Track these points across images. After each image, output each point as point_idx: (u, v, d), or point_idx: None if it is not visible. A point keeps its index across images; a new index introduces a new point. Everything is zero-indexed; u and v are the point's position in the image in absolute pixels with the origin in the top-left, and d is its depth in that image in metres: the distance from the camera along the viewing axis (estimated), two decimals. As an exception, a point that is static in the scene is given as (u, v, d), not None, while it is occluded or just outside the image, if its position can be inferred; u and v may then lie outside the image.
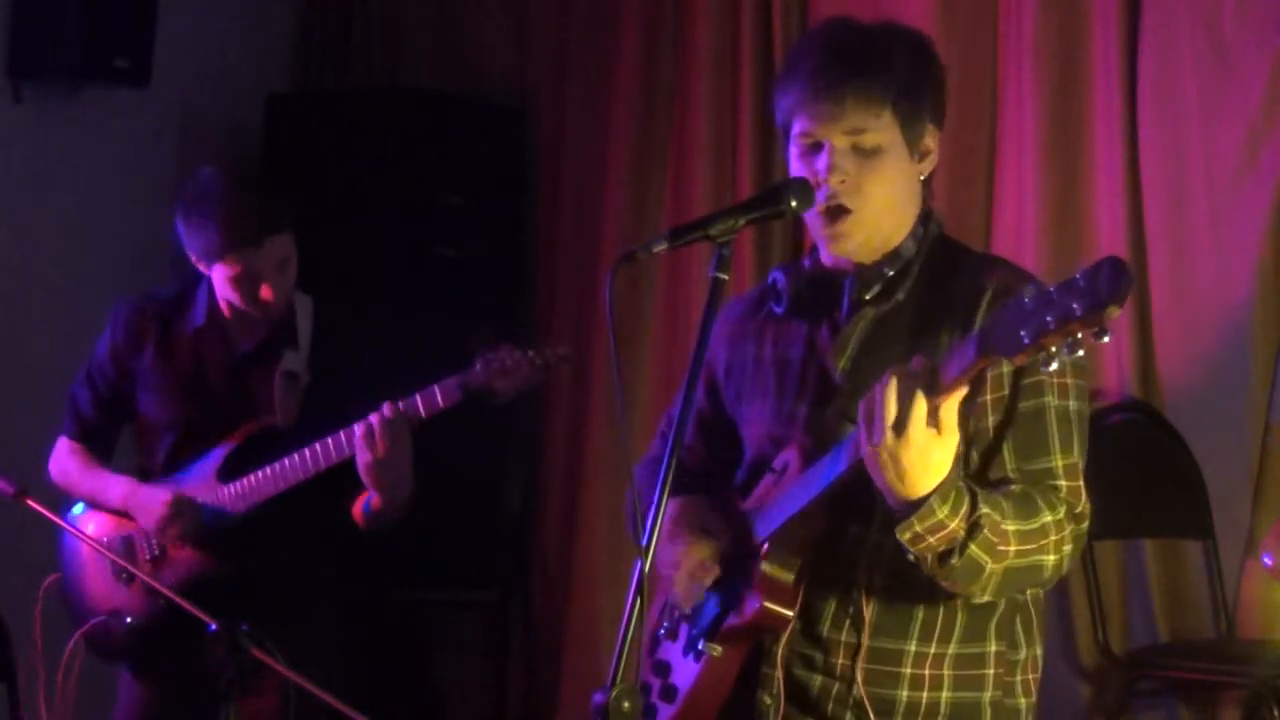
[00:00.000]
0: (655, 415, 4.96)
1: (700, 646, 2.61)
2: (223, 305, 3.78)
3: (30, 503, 3.40)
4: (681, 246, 2.44)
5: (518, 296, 5.46)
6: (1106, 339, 2.04)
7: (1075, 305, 2.03)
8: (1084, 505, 2.49)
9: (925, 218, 2.63)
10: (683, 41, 5.21)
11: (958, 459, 2.35)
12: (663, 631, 2.74)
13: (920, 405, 2.24)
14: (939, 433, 2.27)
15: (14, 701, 4.50)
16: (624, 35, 5.31)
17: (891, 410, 2.26)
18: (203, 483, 3.75)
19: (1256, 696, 4.11)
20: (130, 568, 3.21)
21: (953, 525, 2.33)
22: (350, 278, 5.21)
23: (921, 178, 2.61)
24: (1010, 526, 2.39)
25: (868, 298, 2.58)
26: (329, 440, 3.60)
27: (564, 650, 5.31)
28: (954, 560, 2.36)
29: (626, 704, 2.18)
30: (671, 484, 2.31)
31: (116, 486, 3.84)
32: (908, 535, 2.34)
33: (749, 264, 4.95)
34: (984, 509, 2.36)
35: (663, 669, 2.70)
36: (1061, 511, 2.45)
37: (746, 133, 5.04)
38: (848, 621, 2.54)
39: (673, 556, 2.67)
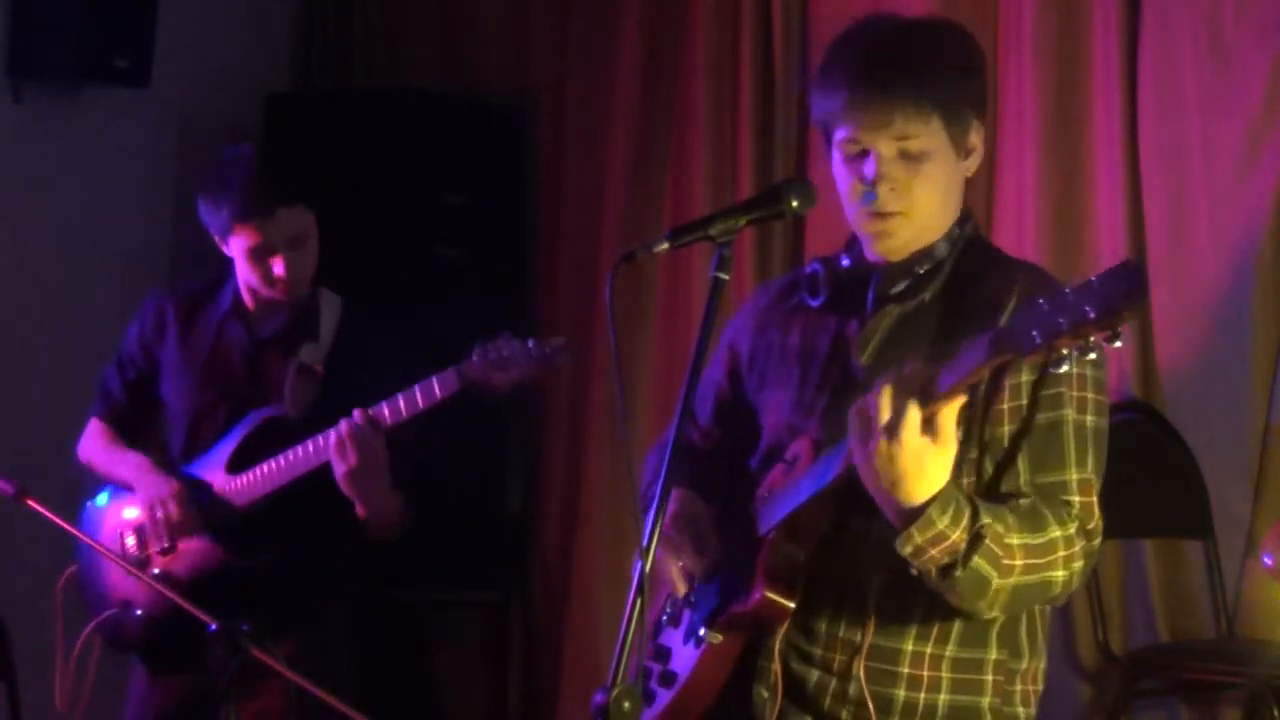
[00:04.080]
0: (656, 415, 4.98)
1: (701, 633, 2.61)
2: (244, 293, 3.79)
3: (30, 503, 3.39)
4: (682, 246, 2.43)
5: (518, 297, 5.46)
6: (1119, 344, 2.03)
7: (1089, 308, 2.02)
8: (1096, 522, 2.47)
9: (963, 219, 2.61)
10: (683, 42, 5.20)
11: (957, 469, 2.33)
12: (665, 617, 2.74)
13: (914, 409, 2.23)
14: (934, 440, 2.25)
15: (14, 701, 4.50)
16: (624, 35, 5.31)
17: (885, 414, 2.25)
18: (212, 473, 3.74)
19: (1256, 696, 4.11)
20: (130, 569, 3.19)
21: (954, 536, 2.32)
22: (350, 278, 5.22)
23: (968, 174, 2.59)
24: (1015, 540, 2.37)
25: (893, 293, 2.57)
26: (324, 436, 3.58)
27: (564, 650, 5.31)
28: (957, 573, 2.34)
29: (626, 704, 2.17)
30: (684, 468, 2.30)
31: (130, 460, 3.84)
32: (909, 549, 2.33)
33: (749, 264, 4.95)
34: (985, 519, 2.34)
35: (663, 654, 2.71)
36: (1072, 528, 2.42)
37: (746, 133, 5.04)
38: (846, 617, 2.53)
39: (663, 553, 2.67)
